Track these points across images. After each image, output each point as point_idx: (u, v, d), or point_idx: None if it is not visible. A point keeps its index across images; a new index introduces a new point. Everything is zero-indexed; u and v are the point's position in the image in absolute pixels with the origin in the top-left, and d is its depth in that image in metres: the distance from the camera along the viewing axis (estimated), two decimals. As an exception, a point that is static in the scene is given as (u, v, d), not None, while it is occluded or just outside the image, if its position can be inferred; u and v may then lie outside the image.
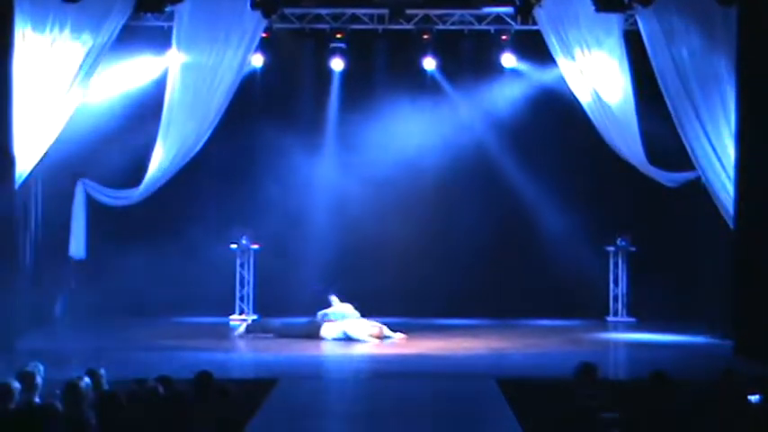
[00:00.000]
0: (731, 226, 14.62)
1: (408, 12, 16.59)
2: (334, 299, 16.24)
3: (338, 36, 17.24)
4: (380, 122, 18.19)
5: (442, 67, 17.89)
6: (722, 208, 14.91)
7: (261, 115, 18.04)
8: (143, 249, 17.57)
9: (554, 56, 16.09)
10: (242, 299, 17.95)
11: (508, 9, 16.56)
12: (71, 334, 15.93)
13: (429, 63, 17.65)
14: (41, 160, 15.04)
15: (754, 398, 7.87)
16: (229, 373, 11.62)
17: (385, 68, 18.13)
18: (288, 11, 16.69)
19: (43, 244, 16.40)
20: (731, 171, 14.48)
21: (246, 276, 18.00)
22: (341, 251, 17.97)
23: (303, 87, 18.31)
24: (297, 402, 10.79)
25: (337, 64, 17.57)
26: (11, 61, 13.92)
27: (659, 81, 15.22)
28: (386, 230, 17.82)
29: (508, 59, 17.62)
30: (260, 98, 17.93)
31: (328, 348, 14.90)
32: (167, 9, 15.57)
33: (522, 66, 17.84)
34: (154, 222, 17.46)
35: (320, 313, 15.98)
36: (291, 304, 17.66)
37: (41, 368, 8.71)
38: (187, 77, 16.02)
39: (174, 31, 15.93)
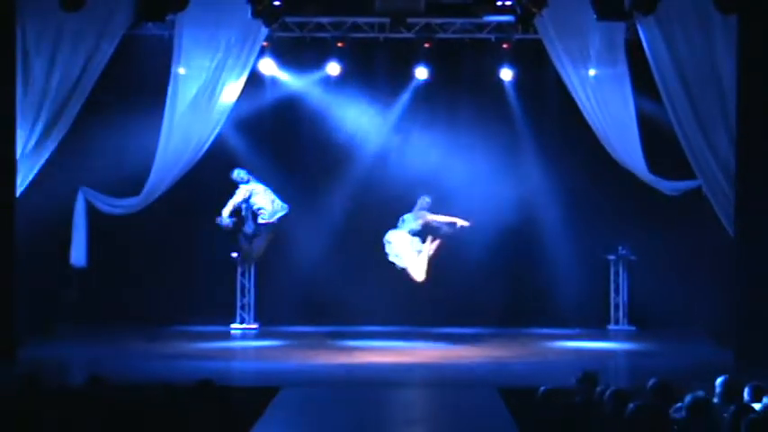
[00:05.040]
0: (732, 234, 14.62)
1: (409, 21, 16.58)
2: None
3: (339, 45, 17.25)
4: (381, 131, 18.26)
5: (439, 77, 17.85)
6: (723, 216, 14.90)
7: (262, 124, 18.07)
8: (144, 257, 17.61)
9: (555, 64, 16.08)
10: (243, 307, 17.92)
11: (509, 18, 16.56)
12: (72, 342, 15.92)
13: (421, 72, 17.61)
14: (42, 168, 15.10)
15: (756, 406, 7.87)
16: (231, 381, 11.62)
17: (383, 76, 18.11)
18: (289, 19, 16.70)
19: (44, 252, 16.38)
20: (732, 179, 14.48)
21: (247, 285, 17.98)
22: (341, 258, 17.92)
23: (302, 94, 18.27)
24: (298, 410, 10.79)
25: (334, 68, 17.53)
26: (15, 72, 13.94)
27: (660, 89, 15.21)
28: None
29: (506, 73, 17.63)
30: (264, 106, 17.97)
31: (331, 357, 14.87)
32: (168, 18, 15.59)
33: (521, 74, 17.83)
34: (155, 230, 17.43)
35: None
36: (293, 312, 17.68)
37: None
38: (188, 86, 16.03)
39: (176, 40, 15.95)
